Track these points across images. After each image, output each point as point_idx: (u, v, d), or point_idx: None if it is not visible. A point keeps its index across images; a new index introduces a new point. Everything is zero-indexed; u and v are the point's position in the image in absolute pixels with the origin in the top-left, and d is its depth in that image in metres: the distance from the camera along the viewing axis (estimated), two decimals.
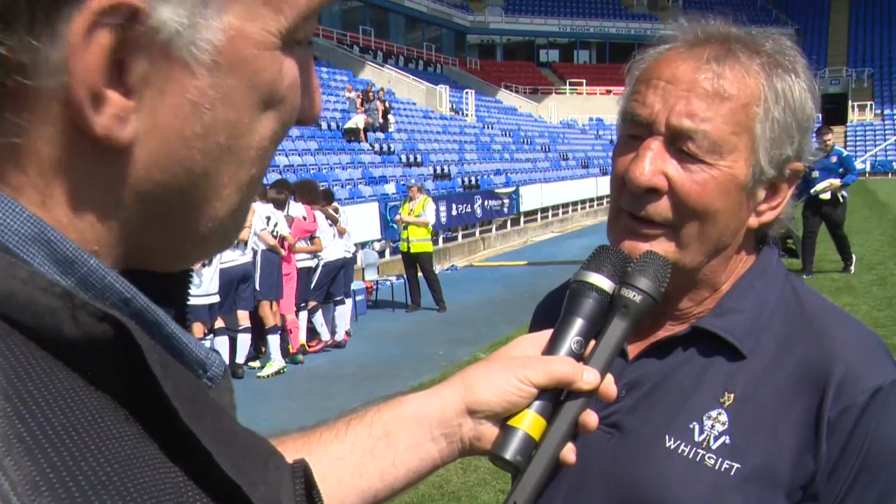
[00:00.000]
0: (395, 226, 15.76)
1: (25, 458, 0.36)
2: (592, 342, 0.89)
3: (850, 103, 53.90)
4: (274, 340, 8.79)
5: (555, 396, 0.86)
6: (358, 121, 22.50)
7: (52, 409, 0.39)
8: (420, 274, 11.88)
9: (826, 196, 12.02)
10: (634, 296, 0.89)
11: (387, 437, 0.85)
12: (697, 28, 1.06)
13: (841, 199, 12.30)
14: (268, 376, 8.51)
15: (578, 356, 0.87)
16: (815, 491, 0.98)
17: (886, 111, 53.47)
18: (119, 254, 0.48)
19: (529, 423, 0.84)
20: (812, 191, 11.85)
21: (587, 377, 0.85)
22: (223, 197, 0.50)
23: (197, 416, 0.43)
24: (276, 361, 8.70)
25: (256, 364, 8.87)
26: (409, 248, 11.78)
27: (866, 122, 53.18)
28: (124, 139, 0.44)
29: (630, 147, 1.05)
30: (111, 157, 0.45)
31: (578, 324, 0.88)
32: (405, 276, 12.18)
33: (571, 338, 0.87)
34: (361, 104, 23.57)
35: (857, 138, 51.56)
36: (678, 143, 1.00)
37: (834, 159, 11.96)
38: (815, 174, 11.63)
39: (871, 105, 53.87)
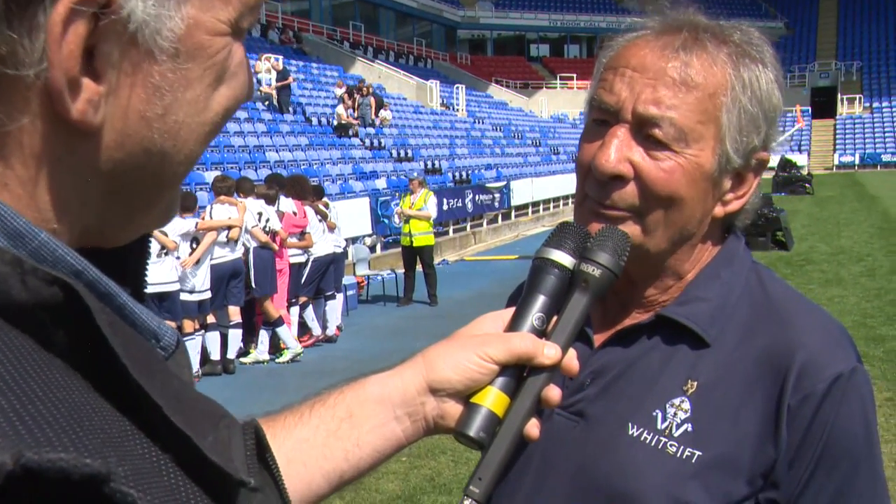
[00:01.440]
0: (385, 220, 15.78)
1: None
2: (555, 318, 0.89)
3: (839, 96, 54.05)
4: (284, 331, 8.89)
5: (517, 373, 0.86)
6: (341, 113, 22.45)
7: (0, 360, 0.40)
8: (419, 268, 11.89)
9: None
10: (594, 270, 0.89)
11: (350, 418, 0.85)
12: (667, 17, 1.07)
13: None
14: (287, 362, 8.81)
15: (541, 332, 0.88)
16: (776, 479, 0.98)
17: (875, 104, 53.67)
18: (76, 231, 0.51)
19: (492, 399, 0.85)
20: None
21: (548, 352, 0.85)
22: (176, 173, 0.54)
23: (147, 374, 0.45)
24: (292, 348, 8.88)
25: (247, 360, 8.89)
26: (411, 241, 11.79)
27: (855, 115, 53.36)
28: (96, 122, 0.48)
29: (596, 134, 1.05)
30: (79, 140, 0.48)
31: (540, 300, 0.88)
32: (403, 269, 12.19)
33: (533, 314, 0.88)
34: (349, 98, 23.47)
35: (847, 131, 51.78)
36: (644, 130, 1.00)
37: None
38: None
39: (860, 98, 54.02)
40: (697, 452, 0.99)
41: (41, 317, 0.43)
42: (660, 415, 1.03)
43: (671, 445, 1.00)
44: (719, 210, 1.07)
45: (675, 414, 1.02)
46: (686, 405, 1.02)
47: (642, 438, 1.02)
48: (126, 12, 0.46)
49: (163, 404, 0.45)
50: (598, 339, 1.12)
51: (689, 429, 1.01)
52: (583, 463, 1.05)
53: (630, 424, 1.04)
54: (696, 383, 1.02)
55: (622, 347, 1.09)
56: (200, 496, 0.45)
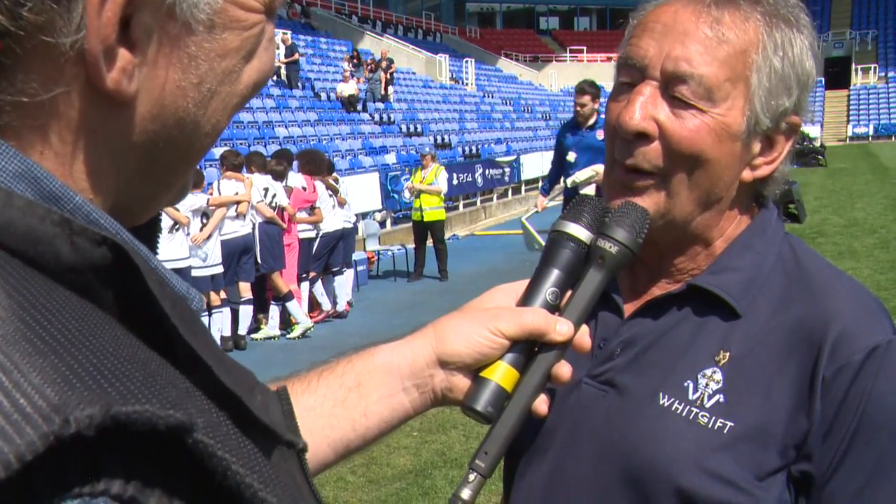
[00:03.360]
0: (395, 196, 15.75)
1: (52, 357, 0.37)
2: (569, 293, 0.87)
3: (853, 66, 53.43)
4: (293, 305, 8.91)
5: (528, 348, 0.85)
6: (345, 88, 22.33)
7: (65, 317, 0.40)
8: (430, 243, 11.90)
9: (590, 189, 7.56)
10: (611, 247, 0.87)
11: (358, 387, 0.85)
12: None
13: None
14: (297, 337, 8.83)
15: (554, 307, 0.86)
16: (809, 450, 0.97)
17: (891, 74, 53.02)
18: (108, 205, 0.51)
19: (501, 374, 0.84)
20: (569, 180, 7.92)
21: (560, 328, 0.84)
22: (203, 146, 0.55)
23: (193, 335, 0.46)
24: (302, 323, 8.92)
25: (258, 336, 8.93)
26: (422, 216, 11.82)
27: (870, 85, 52.73)
28: (131, 92, 0.48)
29: (623, 93, 1.03)
30: (114, 110, 0.49)
31: (554, 274, 0.87)
32: (414, 244, 12.20)
33: (547, 289, 0.86)
34: (353, 71, 23.31)
35: (861, 102, 51.22)
36: (672, 88, 0.98)
37: (600, 134, 7.44)
38: (572, 156, 7.95)
39: (875, 68, 53.36)
40: (730, 423, 0.98)
41: (89, 277, 0.42)
42: (691, 385, 1.01)
43: (703, 416, 0.99)
44: (748, 174, 1.04)
45: (707, 385, 1.00)
46: (718, 376, 1.00)
47: (673, 408, 1.01)
48: None
49: (213, 365, 0.46)
50: (629, 308, 1.10)
51: (721, 399, 0.99)
52: (611, 432, 1.04)
53: (660, 394, 1.02)
54: (728, 354, 1.01)
55: (652, 318, 1.07)
56: (258, 453, 0.45)
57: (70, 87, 0.46)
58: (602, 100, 7.38)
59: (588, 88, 7.98)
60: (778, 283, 1.03)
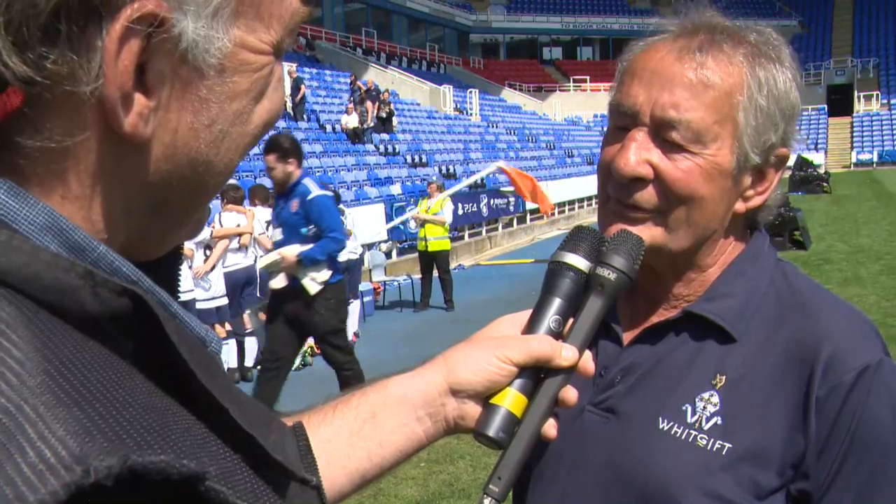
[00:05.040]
0: (401, 227, 15.79)
1: (74, 409, 0.39)
2: (571, 320, 0.90)
3: (855, 94, 53.68)
4: None
5: (535, 374, 0.87)
6: (349, 120, 22.49)
7: (87, 369, 0.42)
8: (435, 273, 11.90)
9: (278, 284, 5.89)
10: (609, 274, 0.90)
11: (373, 418, 0.87)
12: (684, 20, 1.08)
13: (311, 290, 5.82)
14: (299, 367, 8.68)
15: (557, 334, 0.89)
16: (806, 469, 0.99)
17: (893, 101, 53.22)
18: (119, 243, 0.53)
19: (511, 400, 0.86)
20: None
21: (565, 354, 0.87)
22: (216, 183, 0.58)
23: (210, 379, 0.48)
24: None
25: None
26: (426, 246, 11.82)
27: (873, 112, 52.94)
28: (146, 135, 0.51)
29: (617, 138, 1.07)
30: (130, 152, 0.51)
31: (556, 303, 0.90)
32: (420, 275, 12.20)
33: (550, 317, 0.89)
34: (354, 104, 23.44)
35: (864, 128, 51.36)
36: (662, 133, 1.02)
37: (294, 206, 5.78)
38: (277, 234, 6.02)
39: (878, 95, 53.61)
40: (728, 445, 1.00)
41: (110, 326, 0.45)
42: (689, 408, 1.04)
43: (701, 438, 1.02)
44: (741, 206, 1.08)
45: (705, 408, 1.03)
46: (715, 399, 1.03)
47: (672, 432, 1.03)
48: (177, 31, 0.49)
49: (229, 407, 0.48)
50: (627, 336, 1.14)
51: (719, 422, 1.02)
52: (614, 457, 1.06)
53: (660, 419, 1.05)
54: (724, 377, 1.04)
55: (650, 344, 1.11)
56: (272, 494, 0.47)
57: (90, 131, 0.49)
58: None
59: (274, 146, 5.77)
60: (771, 307, 1.07)
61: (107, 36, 0.47)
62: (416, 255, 12.59)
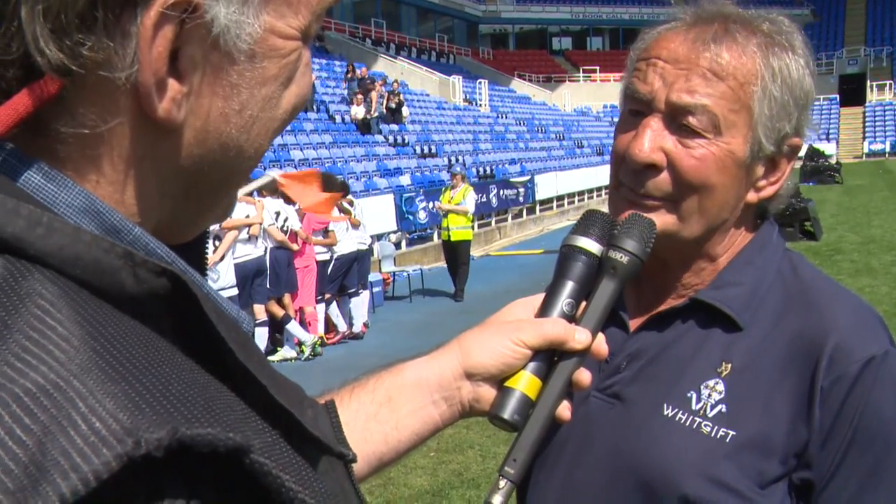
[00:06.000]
0: (410, 217, 15.81)
1: (122, 383, 0.40)
2: (584, 303, 0.91)
3: (868, 83, 53.23)
4: (293, 326, 8.94)
5: (549, 357, 0.88)
6: (358, 111, 22.44)
7: (131, 346, 0.43)
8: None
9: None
10: (621, 257, 0.91)
11: (389, 402, 0.89)
12: (698, 8, 1.09)
13: None
14: (310, 357, 8.84)
15: (570, 317, 0.90)
16: (809, 458, 1.00)
17: None
18: (151, 226, 0.55)
19: (525, 383, 0.87)
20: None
21: (579, 336, 0.88)
22: (246, 168, 0.59)
23: (247, 356, 0.49)
24: (306, 340, 8.96)
25: (275, 357, 8.96)
26: (449, 236, 11.97)
27: (885, 101, 52.48)
28: (179, 120, 0.52)
29: (630, 124, 1.08)
30: (163, 137, 0.52)
31: (569, 286, 0.90)
32: (446, 263, 12.33)
33: (563, 300, 0.90)
34: (351, 94, 23.26)
35: (877, 118, 50.98)
36: (678, 119, 1.03)
37: None
38: None
39: (891, 84, 53.13)
40: (731, 432, 1.01)
41: (149, 305, 0.46)
42: (694, 396, 1.05)
43: (705, 425, 1.03)
44: (753, 196, 1.09)
45: (710, 395, 1.04)
46: (720, 387, 1.04)
47: (677, 418, 1.04)
48: (210, 17, 0.50)
49: (267, 384, 0.49)
50: (634, 323, 1.15)
51: (724, 409, 1.03)
52: (618, 442, 1.07)
53: (665, 405, 1.06)
54: (730, 365, 1.04)
55: (657, 331, 1.11)
56: (309, 468, 0.48)
57: (124, 117, 0.50)
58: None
59: None
60: (778, 297, 1.07)
61: (141, 22, 0.47)
62: (426, 245, 12.62)
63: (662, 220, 1.04)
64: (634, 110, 1.07)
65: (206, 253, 0.66)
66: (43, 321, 0.41)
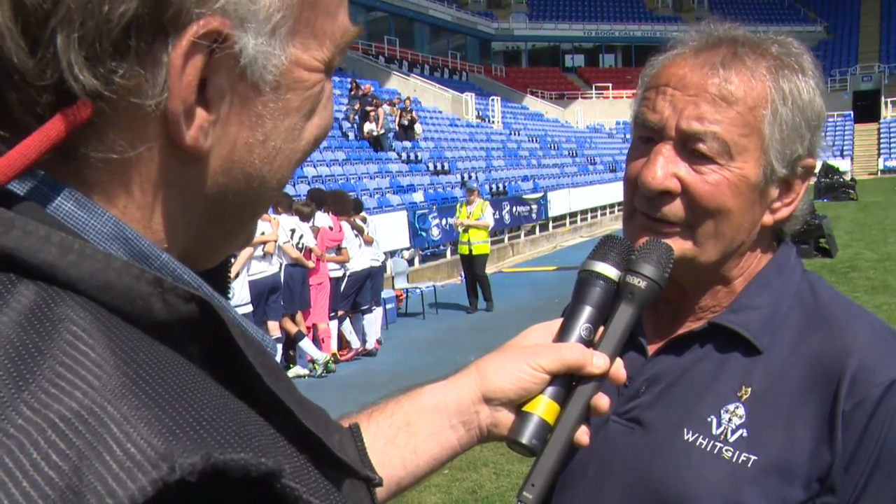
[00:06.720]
0: (423, 234, 15.83)
1: (155, 409, 0.41)
2: (601, 328, 0.91)
3: (883, 99, 52.98)
4: (305, 344, 8.96)
5: (567, 382, 0.89)
6: (372, 128, 22.50)
7: (162, 372, 0.44)
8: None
9: None
10: (639, 282, 0.92)
11: (407, 426, 0.89)
12: (705, 32, 1.09)
13: None
14: (323, 374, 8.84)
15: (588, 342, 0.90)
16: (833, 483, 0.98)
17: None
18: (176, 252, 0.55)
19: (544, 408, 0.87)
20: None
21: (597, 361, 0.88)
22: (269, 198, 0.59)
23: (275, 381, 0.50)
24: (318, 358, 8.95)
25: (289, 374, 8.97)
26: (470, 250, 12.17)
27: None
28: (206, 148, 0.52)
29: (642, 151, 1.08)
30: (190, 165, 0.53)
31: (587, 311, 0.91)
32: (465, 278, 12.47)
33: (581, 325, 0.90)
34: (359, 112, 23.29)
35: (892, 135, 50.68)
36: (689, 145, 1.03)
37: None
38: None
39: None
40: (753, 457, 1.00)
41: (178, 331, 0.47)
42: (714, 420, 1.04)
43: (726, 450, 1.02)
44: (768, 218, 1.09)
45: (730, 419, 1.03)
46: (741, 411, 1.03)
47: (697, 443, 1.04)
48: (238, 48, 0.51)
49: (295, 409, 0.50)
50: (652, 348, 1.14)
51: (745, 434, 1.02)
52: (638, 467, 1.07)
53: (685, 430, 1.05)
54: (750, 389, 1.04)
55: (675, 355, 1.11)
56: (337, 492, 0.48)
57: (152, 143, 0.51)
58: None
59: None
60: (797, 319, 1.06)
61: (173, 51, 0.48)
62: (439, 262, 12.65)
63: (679, 245, 1.04)
64: (645, 137, 1.08)
65: (229, 278, 0.66)
66: (76, 347, 0.42)
